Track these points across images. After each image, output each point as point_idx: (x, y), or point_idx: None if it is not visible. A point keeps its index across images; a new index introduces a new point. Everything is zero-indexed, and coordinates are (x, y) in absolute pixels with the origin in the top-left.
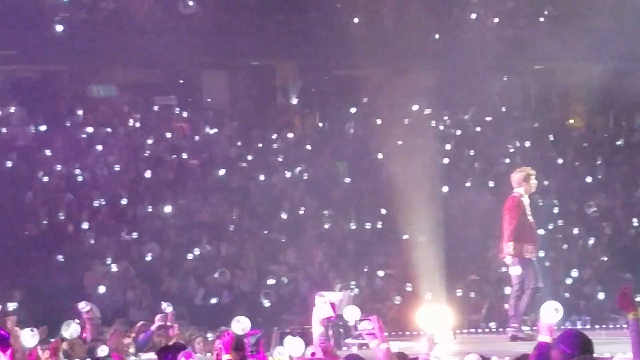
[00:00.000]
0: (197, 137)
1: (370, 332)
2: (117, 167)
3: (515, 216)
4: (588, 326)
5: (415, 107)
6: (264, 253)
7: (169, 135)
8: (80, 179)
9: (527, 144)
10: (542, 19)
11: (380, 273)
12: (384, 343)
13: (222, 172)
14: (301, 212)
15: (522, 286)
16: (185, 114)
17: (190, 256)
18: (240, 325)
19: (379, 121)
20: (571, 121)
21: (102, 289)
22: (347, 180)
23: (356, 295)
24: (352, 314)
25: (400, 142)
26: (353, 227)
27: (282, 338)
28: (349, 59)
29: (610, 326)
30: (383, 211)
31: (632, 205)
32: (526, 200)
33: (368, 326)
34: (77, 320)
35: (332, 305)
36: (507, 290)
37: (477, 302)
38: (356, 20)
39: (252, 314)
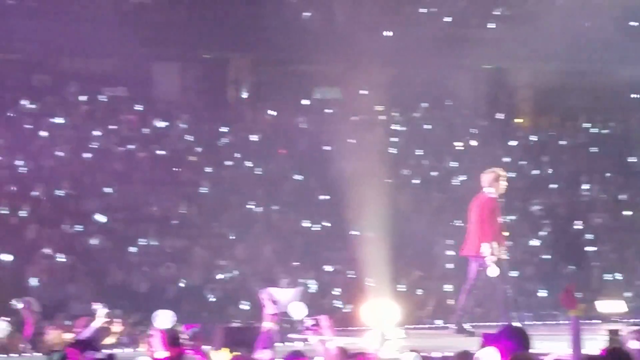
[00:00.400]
0: (146, 130)
1: (314, 329)
2: (63, 158)
3: (497, 217)
4: (528, 322)
5: (366, 103)
6: (212, 247)
7: (117, 127)
8: (24, 169)
9: (475, 142)
10: (492, 19)
11: (328, 268)
12: (332, 342)
13: (171, 165)
14: (251, 206)
15: (476, 283)
16: (134, 106)
17: (136, 249)
18: (164, 320)
19: (330, 116)
20: (519, 120)
21: (43, 282)
22: (297, 175)
23: (304, 291)
24: (298, 310)
25: (350, 138)
26: (302, 222)
27: (227, 333)
28: (301, 54)
29: (550, 323)
30: (332, 206)
31: (576, 204)
32: None
33: (312, 322)
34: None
35: (276, 302)
36: (450, 287)
37: (423, 299)
38: (308, 14)
39: (197, 308)
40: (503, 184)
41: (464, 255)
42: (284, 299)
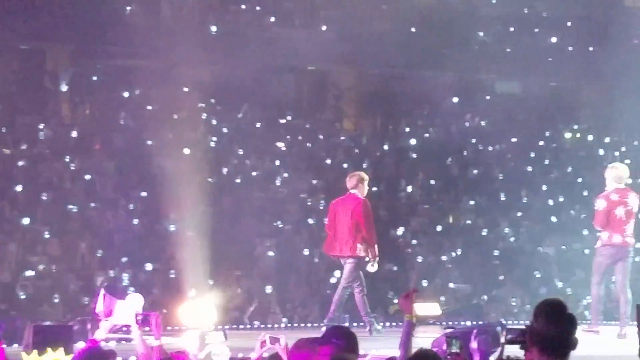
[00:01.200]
0: None
1: (142, 325)
2: None
3: (372, 219)
4: (347, 324)
5: (188, 100)
6: (25, 243)
7: None
8: None
9: (298, 143)
10: (317, 20)
11: (148, 267)
12: (158, 340)
13: None
14: (67, 202)
15: (362, 283)
16: None
17: None
18: None
19: (151, 112)
20: (342, 122)
21: None
22: (116, 171)
23: (122, 289)
24: (134, 302)
25: (172, 135)
26: (120, 218)
27: (37, 332)
28: (123, 48)
29: (364, 325)
30: (152, 204)
31: (396, 207)
32: None
33: (141, 318)
34: None
35: (113, 310)
36: (270, 288)
37: (243, 299)
38: (130, 8)
39: (8, 306)
40: (366, 187)
41: (335, 255)
42: (123, 307)
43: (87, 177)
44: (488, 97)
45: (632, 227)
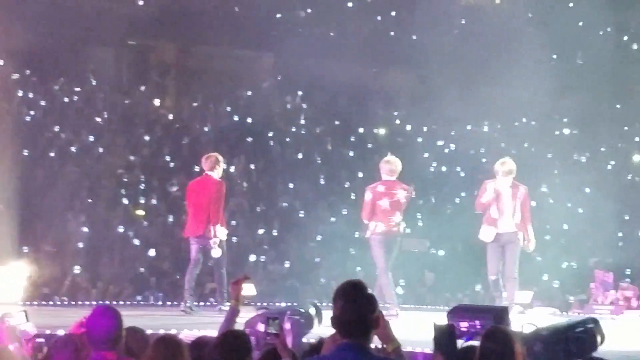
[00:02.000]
0: None
1: None
2: None
3: (224, 200)
4: (160, 302)
5: (2, 70)
6: None
7: None
8: None
9: (116, 118)
10: None
11: None
12: None
13: None
14: None
15: (198, 265)
16: None
17: None
18: None
19: None
20: (160, 99)
21: None
22: None
23: None
24: None
25: None
26: None
27: None
28: None
29: (177, 303)
30: None
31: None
32: None
33: None
34: None
35: None
36: (78, 268)
37: (53, 275)
38: None
39: None
40: (222, 168)
41: (188, 236)
42: None
43: None
44: (310, 80)
45: (398, 217)
